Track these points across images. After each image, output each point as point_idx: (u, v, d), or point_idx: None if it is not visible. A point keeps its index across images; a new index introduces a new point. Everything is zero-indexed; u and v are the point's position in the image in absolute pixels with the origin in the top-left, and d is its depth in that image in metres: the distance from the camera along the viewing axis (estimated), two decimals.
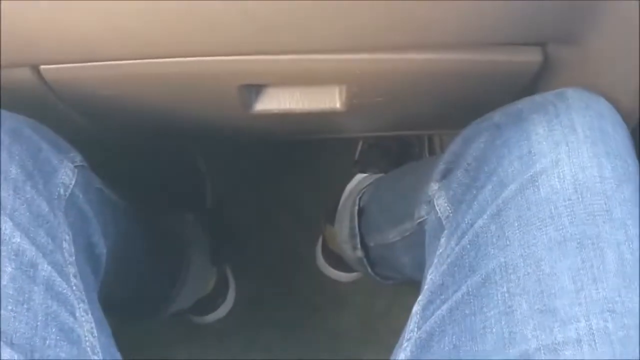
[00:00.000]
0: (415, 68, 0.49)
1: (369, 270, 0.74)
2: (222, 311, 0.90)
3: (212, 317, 0.90)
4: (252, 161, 0.97)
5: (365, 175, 0.85)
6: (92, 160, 0.53)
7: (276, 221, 0.95)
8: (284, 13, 0.42)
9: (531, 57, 0.48)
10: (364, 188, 0.78)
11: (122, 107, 0.55)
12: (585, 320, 0.36)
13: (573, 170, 0.41)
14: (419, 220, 0.55)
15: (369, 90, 0.53)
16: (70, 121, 0.58)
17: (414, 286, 0.87)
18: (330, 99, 0.57)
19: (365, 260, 0.73)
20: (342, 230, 0.77)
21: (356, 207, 0.74)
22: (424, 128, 0.70)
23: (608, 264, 0.38)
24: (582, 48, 0.47)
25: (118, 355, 0.44)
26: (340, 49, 0.47)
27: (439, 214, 0.49)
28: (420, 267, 0.56)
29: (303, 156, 0.97)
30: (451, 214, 0.48)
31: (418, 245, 0.56)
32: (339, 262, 0.87)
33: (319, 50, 0.47)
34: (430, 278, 0.46)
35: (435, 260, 0.46)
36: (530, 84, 0.51)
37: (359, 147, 0.92)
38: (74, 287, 0.42)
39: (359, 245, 0.73)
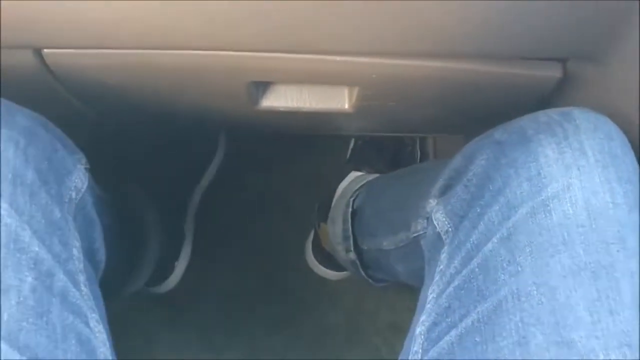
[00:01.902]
0: (433, 75, 0.48)
1: (362, 272, 0.73)
2: (177, 274, 0.87)
3: (169, 283, 0.87)
4: (241, 154, 0.95)
5: (359, 173, 0.83)
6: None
7: (265, 214, 0.93)
8: (305, 13, 0.41)
9: (550, 72, 0.48)
10: (357, 189, 0.76)
11: (125, 96, 0.53)
12: (604, 355, 0.35)
13: (585, 196, 0.40)
14: (415, 235, 0.54)
15: (382, 94, 0.52)
16: (68, 106, 0.56)
17: (403, 287, 0.88)
18: (339, 100, 0.56)
19: (358, 262, 0.72)
20: (335, 231, 0.75)
21: (350, 209, 0.73)
22: (430, 132, 0.69)
23: (623, 295, 0.37)
24: (603, 67, 0.46)
25: None
26: (359, 52, 0.46)
27: (438, 229, 0.48)
28: (415, 275, 0.55)
29: (294, 150, 0.96)
30: (451, 229, 0.47)
31: (413, 256, 0.55)
32: (329, 260, 0.86)
33: (338, 51, 0.46)
34: (433, 297, 0.45)
35: (437, 278, 0.45)
36: (546, 98, 0.50)
37: (352, 144, 0.91)
38: (85, 297, 0.41)
39: (352, 248, 0.72)
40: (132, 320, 0.87)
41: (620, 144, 0.43)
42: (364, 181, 0.78)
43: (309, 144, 0.97)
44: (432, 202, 0.50)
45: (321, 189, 0.93)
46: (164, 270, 0.86)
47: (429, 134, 0.82)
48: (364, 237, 0.70)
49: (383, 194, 0.71)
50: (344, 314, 0.89)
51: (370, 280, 0.74)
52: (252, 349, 0.88)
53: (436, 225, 0.49)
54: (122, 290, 0.72)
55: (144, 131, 0.76)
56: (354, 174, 0.84)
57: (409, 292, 0.89)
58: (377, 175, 0.80)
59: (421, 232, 0.53)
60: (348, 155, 0.91)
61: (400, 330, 0.88)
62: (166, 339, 0.88)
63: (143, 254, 0.74)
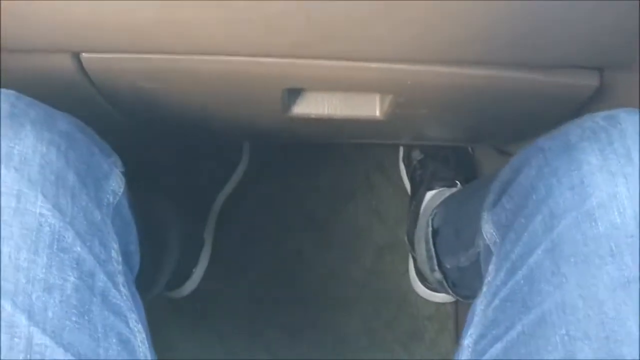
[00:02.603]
0: (468, 83, 0.48)
1: (449, 290, 0.73)
2: (195, 279, 0.88)
3: (186, 289, 0.87)
4: (263, 162, 0.95)
5: (434, 192, 0.82)
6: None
7: (285, 221, 0.93)
8: (342, 19, 0.41)
9: (587, 80, 0.48)
10: (435, 208, 0.76)
11: (159, 102, 0.53)
12: None
13: (634, 205, 0.38)
14: (478, 250, 0.53)
15: (416, 102, 0.52)
16: (100, 111, 0.56)
17: (422, 297, 0.88)
18: (370, 107, 0.56)
19: (445, 282, 0.72)
20: (420, 251, 0.75)
21: (430, 229, 0.73)
22: (463, 142, 0.69)
23: None
24: None
25: None
26: (395, 58, 0.46)
27: (487, 241, 0.48)
28: None
29: (315, 158, 0.96)
30: (498, 240, 0.47)
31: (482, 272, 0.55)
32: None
33: (375, 58, 0.46)
34: (481, 309, 0.44)
35: (485, 289, 0.45)
36: (583, 106, 0.50)
37: (414, 163, 0.89)
38: (124, 297, 0.41)
39: (436, 267, 0.72)
40: (153, 327, 0.86)
41: None
42: (440, 199, 0.78)
43: (330, 152, 0.97)
44: (485, 216, 0.50)
45: (341, 197, 0.94)
46: (181, 275, 0.86)
47: (462, 144, 0.81)
48: (446, 255, 0.70)
49: (455, 212, 0.70)
50: (363, 321, 0.89)
51: (460, 298, 0.74)
52: (272, 356, 0.88)
53: (485, 237, 0.49)
54: (143, 295, 0.72)
55: (174, 137, 0.77)
56: (430, 194, 0.83)
57: (427, 301, 0.89)
58: (451, 189, 0.80)
59: (481, 247, 0.52)
60: (410, 177, 0.90)
61: (420, 338, 0.88)
62: (187, 345, 0.87)
63: (163, 258, 0.74)
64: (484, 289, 0.45)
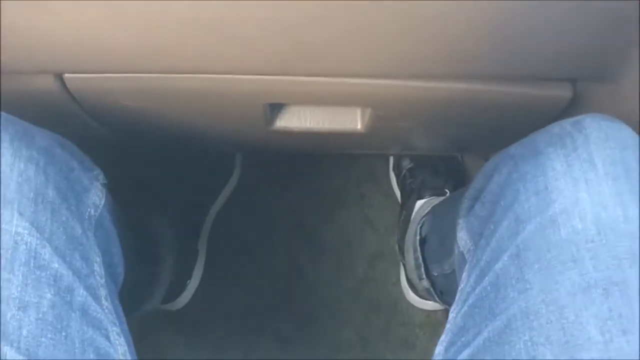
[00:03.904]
0: (444, 97, 0.49)
1: (437, 298, 0.74)
2: (189, 291, 0.88)
3: (181, 301, 0.88)
4: (255, 173, 0.96)
5: (424, 200, 0.83)
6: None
7: (278, 232, 0.94)
8: (320, 37, 0.42)
9: (560, 92, 0.48)
10: (424, 216, 0.77)
11: (144, 118, 0.54)
12: None
13: (595, 210, 0.38)
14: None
15: (395, 115, 0.53)
16: (87, 128, 0.57)
17: (413, 305, 0.88)
18: (352, 121, 0.57)
19: (432, 289, 0.73)
20: (409, 260, 0.76)
21: (418, 237, 0.73)
22: (442, 151, 0.70)
23: (637, 314, 0.35)
24: (613, 86, 0.47)
25: None
26: (373, 74, 0.47)
27: (461, 248, 0.49)
28: None
29: (307, 166, 0.97)
30: (472, 248, 0.48)
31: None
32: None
33: (353, 74, 0.47)
34: (452, 316, 0.45)
35: (457, 297, 0.46)
36: (559, 117, 0.51)
37: (404, 172, 0.89)
38: (106, 310, 0.41)
39: (424, 276, 0.73)
40: (146, 338, 0.87)
41: (634, 153, 0.41)
42: (429, 208, 0.79)
43: (321, 162, 0.98)
44: (461, 223, 0.51)
45: (332, 206, 0.95)
46: (176, 288, 0.87)
47: (446, 153, 0.82)
48: (432, 263, 0.71)
49: (440, 219, 0.71)
50: (355, 329, 0.89)
51: (448, 307, 0.74)
52: None
53: (459, 244, 0.49)
54: (136, 309, 0.73)
55: (162, 151, 0.78)
56: (419, 203, 0.84)
57: (418, 309, 0.89)
58: (441, 198, 0.81)
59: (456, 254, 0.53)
60: (400, 186, 0.91)
61: (411, 346, 0.88)
62: (180, 357, 0.88)
63: (157, 274, 0.75)
64: (457, 296, 0.46)
